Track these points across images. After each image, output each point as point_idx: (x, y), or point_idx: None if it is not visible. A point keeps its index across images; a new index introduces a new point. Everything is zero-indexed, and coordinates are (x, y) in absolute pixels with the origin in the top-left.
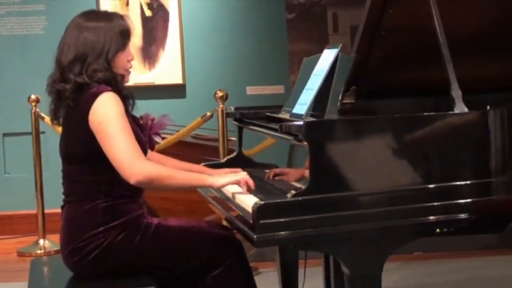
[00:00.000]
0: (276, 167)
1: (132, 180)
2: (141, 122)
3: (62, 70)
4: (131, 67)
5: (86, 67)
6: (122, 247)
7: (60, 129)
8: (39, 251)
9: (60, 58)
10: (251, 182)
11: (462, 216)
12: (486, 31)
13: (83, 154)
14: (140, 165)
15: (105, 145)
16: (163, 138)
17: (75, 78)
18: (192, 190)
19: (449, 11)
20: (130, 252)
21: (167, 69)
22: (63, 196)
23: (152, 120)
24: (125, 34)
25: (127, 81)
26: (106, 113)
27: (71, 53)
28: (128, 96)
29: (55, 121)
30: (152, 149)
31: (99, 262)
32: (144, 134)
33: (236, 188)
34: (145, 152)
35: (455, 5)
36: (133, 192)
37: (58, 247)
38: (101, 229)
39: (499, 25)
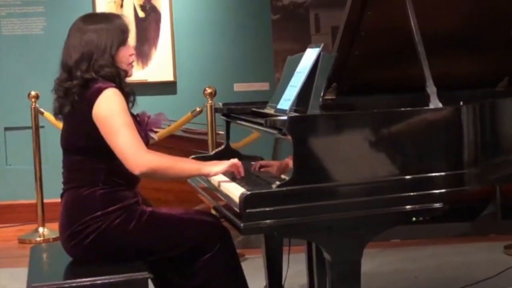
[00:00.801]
0: (262, 159)
1: (137, 171)
2: (138, 119)
3: (69, 70)
4: (133, 61)
5: (93, 63)
6: (118, 231)
7: (59, 123)
8: (38, 239)
9: (66, 60)
10: (241, 169)
11: (437, 205)
12: (459, 31)
13: (85, 145)
14: (144, 157)
15: (110, 139)
16: (156, 133)
17: (82, 74)
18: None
19: (424, 13)
20: (125, 236)
21: (159, 67)
22: (62, 185)
23: (149, 117)
24: (124, 31)
25: (130, 75)
26: (111, 108)
27: (77, 53)
28: (129, 93)
29: (59, 116)
30: (147, 145)
31: (96, 245)
32: (141, 130)
33: (223, 178)
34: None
35: (430, 7)
36: (129, 181)
37: (56, 235)
38: (99, 213)
39: (471, 25)
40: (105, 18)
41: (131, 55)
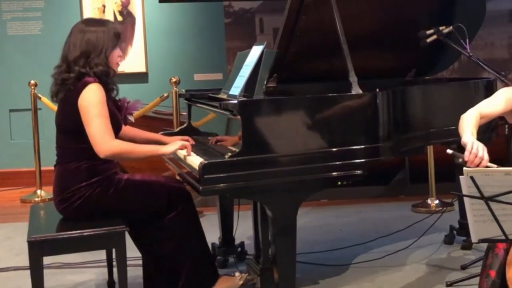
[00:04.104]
0: (217, 135)
1: (101, 155)
2: (119, 104)
3: (68, 64)
4: (121, 61)
5: (89, 61)
6: (99, 197)
7: (54, 106)
8: (37, 199)
9: (67, 55)
10: (189, 148)
11: (358, 172)
12: (376, 32)
13: (72, 126)
14: (108, 144)
15: (85, 125)
16: (132, 115)
17: (79, 69)
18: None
19: (348, 18)
20: (106, 201)
21: (134, 60)
22: (55, 158)
23: (128, 103)
24: (118, 36)
25: (116, 73)
26: (90, 100)
27: (77, 51)
28: (113, 88)
29: (55, 99)
30: (126, 125)
31: (82, 209)
32: (120, 113)
33: (185, 152)
34: (119, 129)
35: (352, 13)
36: None
37: (51, 196)
38: (83, 184)
39: (385, 27)
40: (102, 23)
41: (119, 56)
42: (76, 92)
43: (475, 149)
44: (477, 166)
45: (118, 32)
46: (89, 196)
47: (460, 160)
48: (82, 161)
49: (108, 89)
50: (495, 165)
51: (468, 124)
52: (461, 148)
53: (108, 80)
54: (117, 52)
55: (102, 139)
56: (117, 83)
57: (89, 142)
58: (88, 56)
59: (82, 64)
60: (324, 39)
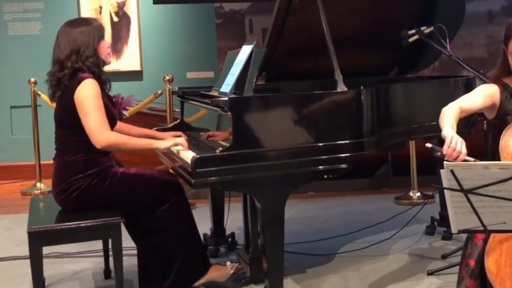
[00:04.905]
0: (208, 130)
1: (98, 145)
2: (114, 99)
3: (61, 63)
4: (110, 50)
5: (81, 54)
6: (96, 189)
7: (53, 103)
8: (36, 191)
9: (58, 56)
10: (185, 145)
11: (343, 166)
12: (360, 32)
13: (70, 121)
14: (104, 135)
15: (82, 118)
16: (127, 110)
17: (72, 65)
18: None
19: (334, 19)
20: (101, 192)
21: (129, 59)
22: (54, 151)
23: (122, 98)
24: (101, 29)
25: (109, 63)
26: (85, 94)
27: (67, 49)
28: (105, 81)
29: (53, 99)
30: (120, 120)
31: (79, 200)
32: (115, 108)
33: (179, 146)
34: (114, 123)
35: (337, 15)
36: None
37: (50, 189)
38: (80, 175)
39: (369, 28)
40: (85, 21)
41: (108, 47)
42: (72, 88)
43: (453, 143)
44: (455, 159)
45: (101, 25)
46: (86, 187)
47: (439, 153)
48: (80, 153)
49: (102, 81)
50: (472, 159)
51: (449, 117)
52: (441, 143)
53: (100, 72)
54: (104, 43)
55: (99, 130)
56: (112, 81)
57: (86, 135)
58: (78, 51)
59: (75, 60)
60: (311, 39)
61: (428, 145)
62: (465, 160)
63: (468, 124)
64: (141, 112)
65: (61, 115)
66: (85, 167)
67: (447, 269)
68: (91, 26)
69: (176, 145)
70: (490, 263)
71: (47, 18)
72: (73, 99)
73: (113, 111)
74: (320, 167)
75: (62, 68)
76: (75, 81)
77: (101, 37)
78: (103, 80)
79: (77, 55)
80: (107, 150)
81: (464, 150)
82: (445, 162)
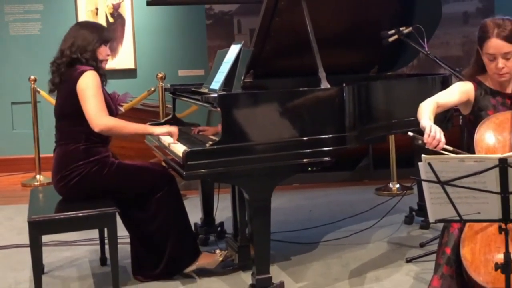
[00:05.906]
0: (199, 125)
1: (96, 129)
2: (110, 96)
3: (62, 52)
4: (108, 58)
5: (79, 47)
6: (94, 176)
7: (52, 100)
8: (36, 183)
9: (62, 46)
10: (176, 134)
11: (326, 159)
12: (342, 32)
13: (71, 111)
14: (102, 119)
15: (83, 104)
16: (123, 106)
17: (70, 54)
18: (141, 138)
19: (317, 20)
20: (100, 180)
21: (124, 58)
22: (54, 144)
23: (118, 95)
24: (107, 37)
25: (103, 68)
26: (87, 83)
27: (70, 41)
28: (103, 75)
29: (52, 87)
30: (116, 115)
31: (79, 186)
32: (112, 104)
33: (171, 140)
34: (112, 115)
35: (321, 16)
36: (103, 140)
37: (50, 181)
38: (81, 163)
39: (351, 28)
40: (95, 26)
41: (107, 54)
42: (74, 80)
43: (433, 132)
44: (435, 147)
45: (109, 35)
46: (86, 174)
47: (420, 142)
48: (80, 142)
49: (100, 75)
50: (451, 148)
51: (426, 111)
52: (420, 134)
53: (98, 66)
54: (105, 49)
55: (97, 115)
56: (108, 78)
57: (86, 125)
58: (78, 44)
59: (73, 50)
60: (296, 38)
61: (410, 134)
62: (444, 149)
63: (445, 119)
64: (135, 108)
65: (62, 106)
66: (86, 154)
67: (424, 257)
68: (98, 31)
69: (168, 133)
70: (465, 251)
71: (46, 19)
72: (75, 89)
73: (111, 104)
74: (305, 160)
75: (62, 56)
76: (78, 73)
77: (104, 42)
78: (101, 73)
79: (76, 47)
80: (106, 134)
81: (443, 139)
82: (423, 155)
